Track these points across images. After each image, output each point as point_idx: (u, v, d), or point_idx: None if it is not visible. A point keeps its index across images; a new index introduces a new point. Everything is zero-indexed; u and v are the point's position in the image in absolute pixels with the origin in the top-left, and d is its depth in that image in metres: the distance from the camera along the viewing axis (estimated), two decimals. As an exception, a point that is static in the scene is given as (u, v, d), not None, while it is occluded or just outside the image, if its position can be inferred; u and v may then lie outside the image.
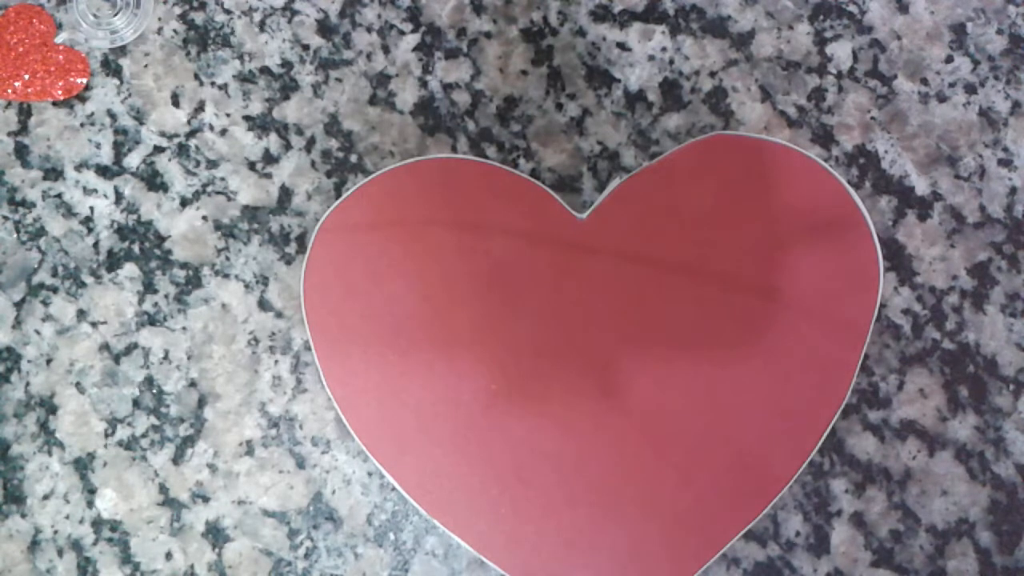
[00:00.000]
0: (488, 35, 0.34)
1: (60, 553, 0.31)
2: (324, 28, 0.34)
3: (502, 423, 0.30)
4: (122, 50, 0.33)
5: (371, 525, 0.31)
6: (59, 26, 0.33)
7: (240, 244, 0.32)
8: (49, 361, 0.32)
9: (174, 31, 0.34)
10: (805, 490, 0.31)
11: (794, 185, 0.31)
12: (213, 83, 0.33)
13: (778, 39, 0.34)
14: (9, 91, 0.33)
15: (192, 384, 0.32)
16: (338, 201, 0.31)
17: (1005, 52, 0.34)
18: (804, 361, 0.30)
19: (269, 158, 0.33)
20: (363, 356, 0.31)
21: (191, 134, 0.33)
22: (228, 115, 0.33)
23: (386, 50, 0.34)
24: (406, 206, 0.31)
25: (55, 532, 0.31)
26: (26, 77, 0.33)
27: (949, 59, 0.34)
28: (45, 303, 0.32)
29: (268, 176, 0.33)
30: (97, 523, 0.31)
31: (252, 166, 0.33)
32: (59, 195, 0.32)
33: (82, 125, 0.33)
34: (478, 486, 0.30)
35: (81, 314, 0.32)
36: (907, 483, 0.32)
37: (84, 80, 0.33)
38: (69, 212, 0.32)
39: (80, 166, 0.33)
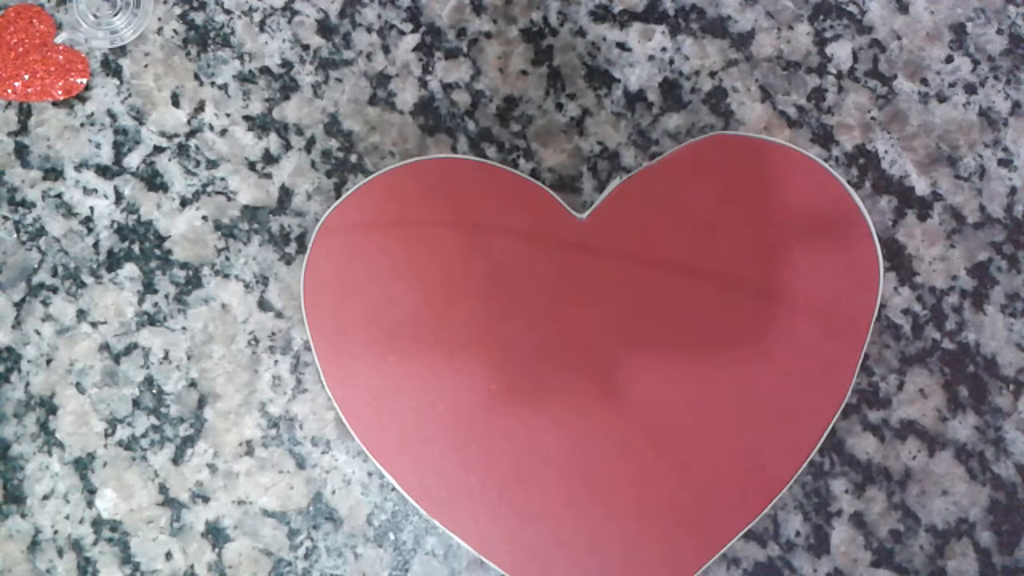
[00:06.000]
0: (488, 35, 0.34)
1: (60, 553, 0.31)
2: (324, 28, 0.34)
3: (502, 423, 0.30)
4: (122, 50, 0.33)
5: (371, 525, 0.31)
6: (59, 26, 0.33)
7: (240, 244, 0.32)
8: (49, 361, 0.32)
9: (174, 31, 0.34)
10: (805, 490, 0.31)
11: (794, 185, 0.31)
12: (213, 83, 0.33)
13: (778, 39, 0.34)
14: (9, 91, 0.33)
15: (192, 384, 0.32)
16: (338, 201, 0.31)
17: (1005, 52, 0.34)
18: (804, 361, 0.30)
19: (269, 158, 0.33)
20: (363, 356, 0.31)
21: (191, 134, 0.33)
22: (228, 115, 0.33)
23: (386, 50, 0.34)
24: (406, 206, 0.31)
25: (55, 532, 0.31)
26: (26, 77, 0.33)
27: (949, 59, 0.34)
28: (45, 303, 0.32)
29: (268, 176, 0.33)
30: (97, 523, 0.31)
31: (252, 166, 0.33)
32: (59, 195, 0.32)
33: (82, 125, 0.33)
34: (478, 486, 0.30)
35: (81, 314, 0.32)
36: (907, 483, 0.32)
37: (84, 80, 0.33)
38: (69, 212, 0.32)
39: (80, 166, 0.33)
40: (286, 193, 0.33)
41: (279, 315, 0.32)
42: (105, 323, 0.32)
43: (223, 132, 0.33)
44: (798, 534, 0.31)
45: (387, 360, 0.31)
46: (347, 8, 0.34)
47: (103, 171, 0.33)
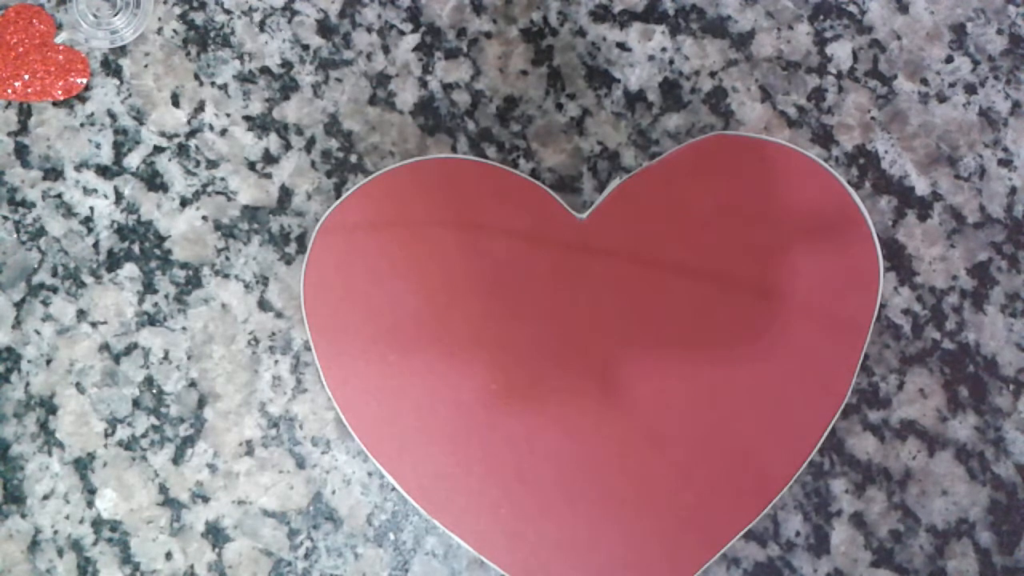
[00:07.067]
0: (488, 35, 0.34)
1: (60, 553, 0.31)
2: (324, 28, 0.34)
3: (502, 423, 0.30)
4: (122, 50, 0.33)
5: (371, 525, 0.31)
6: (59, 26, 0.33)
7: (240, 244, 0.32)
8: (49, 361, 0.32)
9: (174, 31, 0.34)
10: (805, 490, 0.31)
11: (794, 185, 0.31)
12: (213, 83, 0.33)
13: (778, 39, 0.34)
14: (9, 91, 0.33)
15: (192, 384, 0.32)
16: (338, 201, 0.31)
17: (1005, 52, 0.34)
18: (804, 361, 0.30)
19: (269, 158, 0.33)
20: (363, 356, 0.31)
21: (191, 134, 0.33)
22: (228, 115, 0.33)
23: (386, 50, 0.34)
24: (406, 206, 0.31)
25: (55, 532, 0.31)
26: (26, 77, 0.33)
27: (949, 59, 0.34)
28: (45, 303, 0.32)
29: (268, 176, 0.33)
30: (97, 523, 0.31)
31: (252, 166, 0.33)
32: (59, 195, 0.32)
33: (82, 125, 0.33)
34: (478, 486, 0.30)
35: (81, 314, 0.32)
36: (907, 483, 0.32)
37: (84, 80, 0.33)
38: (69, 212, 0.32)
39: (80, 166, 0.33)
40: (286, 193, 0.33)
41: (279, 315, 0.32)
42: (105, 323, 0.32)
43: (223, 132, 0.33)
44: (798, 534, 0.31)
45: (387, 360, 0.31)
46: (347, 8, 0.34)
47: (103, 171, 0.33)
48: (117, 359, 0.32)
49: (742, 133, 0.32)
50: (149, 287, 0.32)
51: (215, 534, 0.31)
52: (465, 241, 0.31)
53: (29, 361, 0.32)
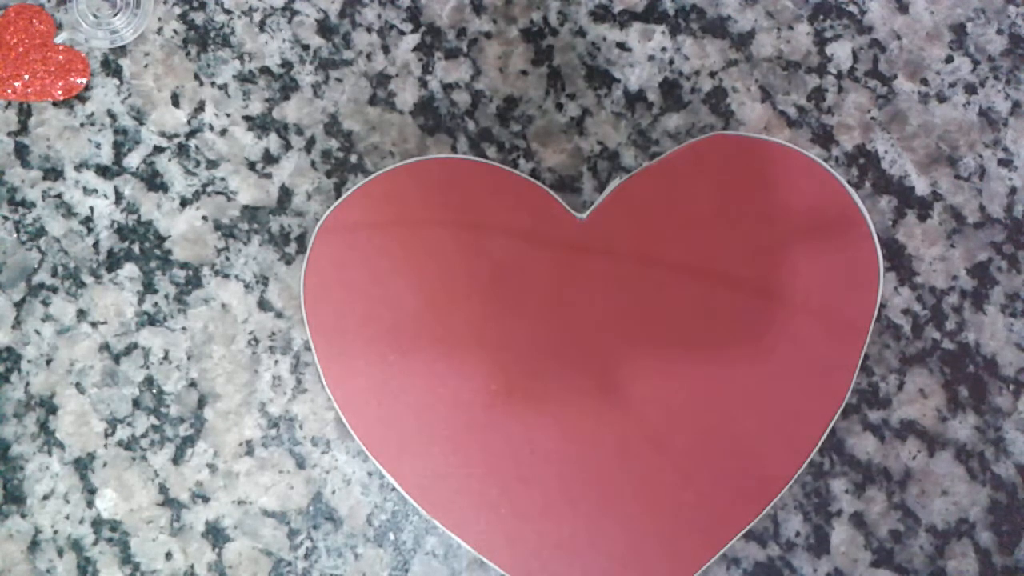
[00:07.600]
0: (488, 35, 0.34)
1: (60, 553, 0.31)
2: (324, 28, 0.34)
3: (502, 423, 0.30)
4: (122, 50, 0.33)
5: (371, 525, 0.31)
6: (59, 26, 0.33)
7: (240, 244, 0.32)
8: (49, 361, 0.32)
9: (174, 31, 0.34)
10: (805, 490, 0.31)
11: (794, 185, 0.31)
12: (213, 83, 0.33)
13: (778, 39, 0.34)
14: (9, 91, 0.33)
15: (192, 384, 0.32)
16: (338, 201, 0.31)
17: (1005, 52, 0.34)
18: (804, 361, 0.30)
19: (269, 158, 0.33)
20: (363, 356, 0.31)
21: (191, 134, 0.33)
22: (228, 115, 0.33)
23: (386, 50, 0.34)
24: (406, 206, 0.31)
25: (55, 532, 0.31)
26: (26, 77, 0.33)
27: (949, 59, 0.34)
28: (45, 303, 0.32)
29: (268, 176, 0.33)
30: (97, 523, 0.31)
31: (252, 166, 0.33)
32: (59, 195, 0.32)
33: (82, 125, 0.33)
34: (478, 486, 0.30)
35: (81, 314, 0.32)
36: (907, 483, 0.32)
37: (84, 80, 0.33)
38: (69, 212, 0.32)
39: (80, 166, 0.33)
40: (286, 193, 0.33)
41: (279, 315, 0.32)
42: (105, 323, 0.32)
43: (223, 132, 0.33)
44: (798, 534, 0.31)
45: (387, 360, 0.31)
46: (347, 8, 0.34)
47: (103, 171, 0.33)
48: (117, 359, 0.32)
49: (742, 133, 0.32)
50: (149, 287, 0.32)
51: (215, 534, 0.31)
52: (465, 241, 0.31)
53: (29, 361, 0.32)
